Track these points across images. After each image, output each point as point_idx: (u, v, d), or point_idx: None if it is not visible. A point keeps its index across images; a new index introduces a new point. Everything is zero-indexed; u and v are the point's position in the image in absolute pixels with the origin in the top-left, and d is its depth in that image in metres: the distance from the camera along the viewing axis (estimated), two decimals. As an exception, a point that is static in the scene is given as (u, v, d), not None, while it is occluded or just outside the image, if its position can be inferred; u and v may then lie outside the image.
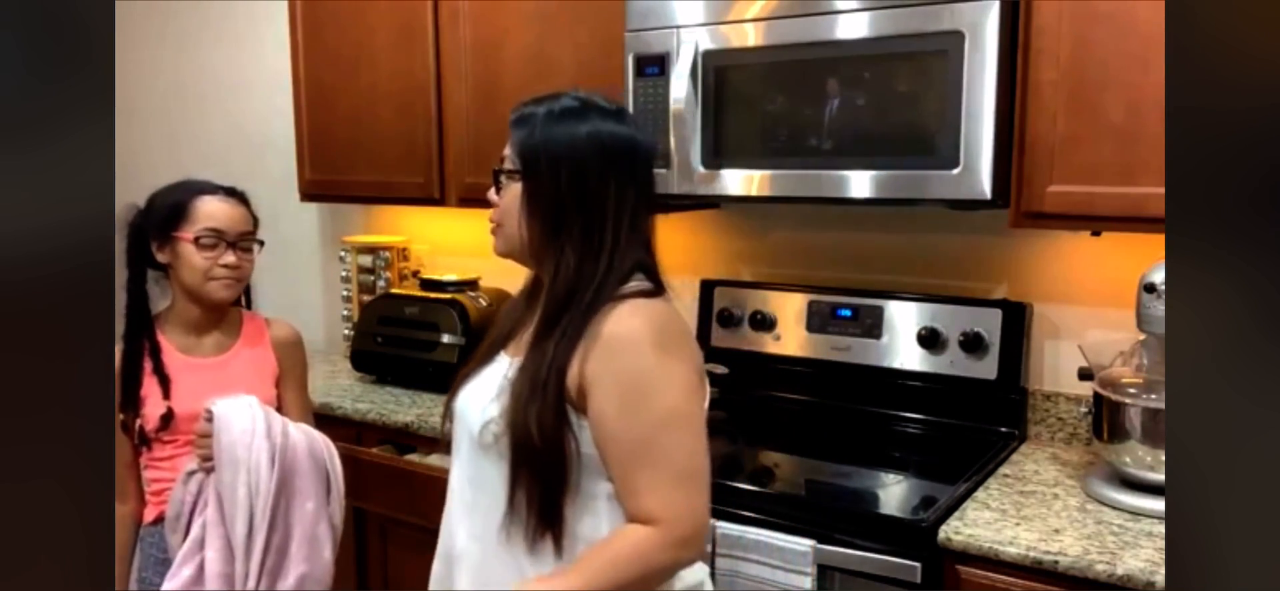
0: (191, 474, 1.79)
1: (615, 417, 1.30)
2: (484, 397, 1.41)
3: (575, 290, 1.35)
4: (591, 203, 1.36)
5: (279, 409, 1.91)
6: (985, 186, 1.84)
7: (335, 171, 2.92)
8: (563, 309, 1.35)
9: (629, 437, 1.30)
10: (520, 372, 1.36)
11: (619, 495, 1.34)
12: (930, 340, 2.22)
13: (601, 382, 1.31)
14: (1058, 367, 2.20)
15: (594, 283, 1.35)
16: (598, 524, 1.35)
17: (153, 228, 1.87)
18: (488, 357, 1.49)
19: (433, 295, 2.74)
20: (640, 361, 1.31)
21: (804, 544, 1.78)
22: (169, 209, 1.87)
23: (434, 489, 2.39)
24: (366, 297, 2.96)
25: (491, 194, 1.45)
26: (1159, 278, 1.78)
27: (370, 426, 2.51)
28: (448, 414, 1.51)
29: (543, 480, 1.33)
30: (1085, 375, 1.94)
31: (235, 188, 1.95)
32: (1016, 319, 2.17)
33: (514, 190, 1.40)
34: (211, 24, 3.55)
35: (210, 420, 1.76)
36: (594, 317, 1.33)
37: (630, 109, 2.22)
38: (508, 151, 1.42)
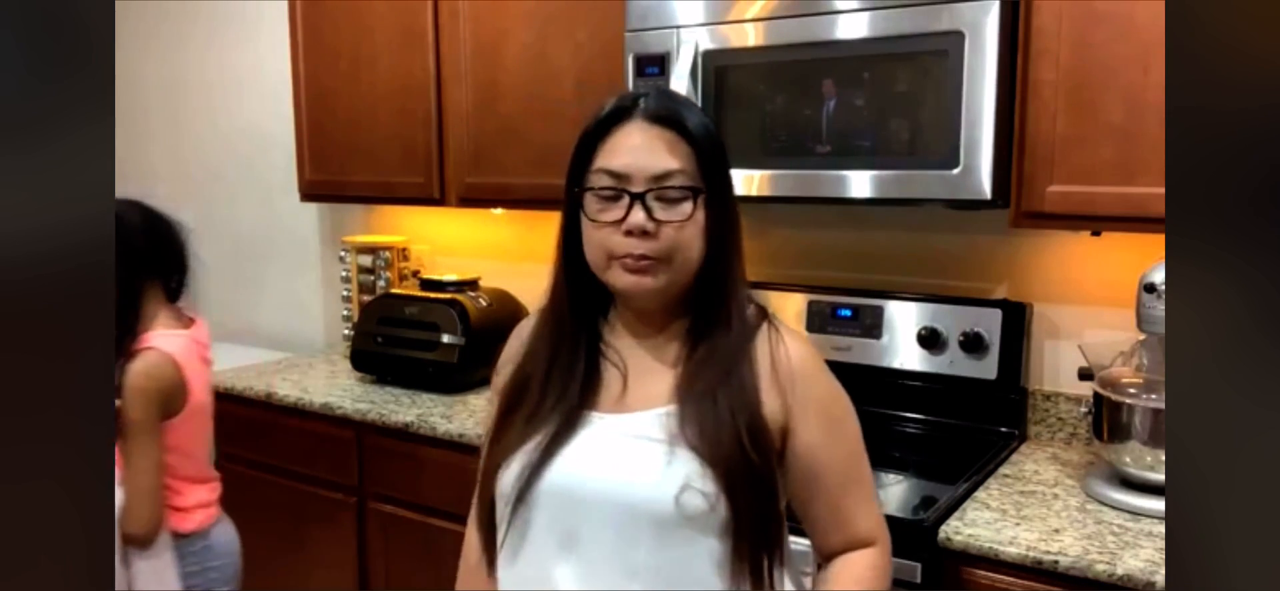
0: None
1: (825, 447, 1.20)
2: (641, 468, 1.14)
3: (719, 323, 1.20)
4: (737, 211, 1.22)
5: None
6: (985, 186, 1.84)
7: (335, 171, 2.92)
8: (713, 344, 1.19)
9: (839, 464, 1.22)
10: (700, 426, 1.14)
11: (824, 527, 1.24)
12: (930, 340, 2.22)
13: (805, 414, 1.19)
14: (1058, 367, 2.20)
15: (739, 310, 1.21)
16: (781, 569, 1.22)
17: None
18: (569, 422, 1.19)
19: (433, 295, 2.74)
20: (829, 384, 1.23)
21: (804, 543, 1.78)
22: None
23: (439, 472, 2.40)
24: (366, 298, 2.96)
25: (642, 219, 1.14)
26: (1159, 278, 1.78)
27: (370, 426, 2.51)
28: (526, 496, 1.18)
29: (763, 538, 1.16)
30: (1085, 375, 1.94)
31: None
32: (1016, 319, 2.17)
33: (691, 210, 1.16)
34: (211, 24, 3.55)
35: None
36: (752, 345, 1.20)
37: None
38: (675, 162, 1.16)
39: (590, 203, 1.18)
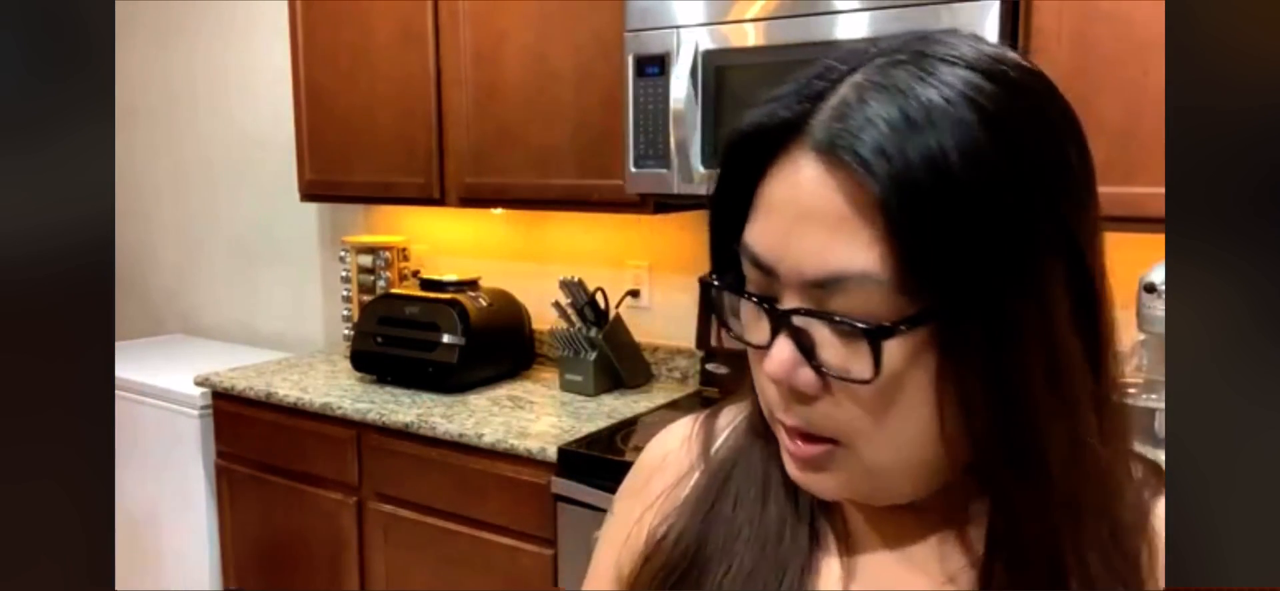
0: None
1: None
2: None
3: (1053, 478, 0.60)
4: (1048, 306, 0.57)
5: None
6: (985, 186, 1.84)
7: (335, 171, 2.92)
8: (1049, 523, 0.61)
9: None
10: None
11: None
12: (930, 340, 2.22)
13: None
14: (1058, 367, 2.19)
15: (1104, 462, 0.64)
16: None
17: None
18: None
19: (433, 295, 2.74)
20: None
21: (804, 544, 1.77)
22: None
23: (439, 473, 2.40)
24: (366, 298, 2.96)
25: (787, 359, 0.57)
26: (1159, 277, 1.78)
27: (370, 426, 2.51)
28: None
29: None
30: (1085, 375, 1.94)
31: None
32: (1016, 319, 2.16)
33: (871, 365, 0.55)
34: (211, 24, 3.55)
35: None
36: (1143, 526, 0.65)
37: (630, 109, 2.22)
38: (850, 253, 0.55)
39: (727, 309, 0.63)
